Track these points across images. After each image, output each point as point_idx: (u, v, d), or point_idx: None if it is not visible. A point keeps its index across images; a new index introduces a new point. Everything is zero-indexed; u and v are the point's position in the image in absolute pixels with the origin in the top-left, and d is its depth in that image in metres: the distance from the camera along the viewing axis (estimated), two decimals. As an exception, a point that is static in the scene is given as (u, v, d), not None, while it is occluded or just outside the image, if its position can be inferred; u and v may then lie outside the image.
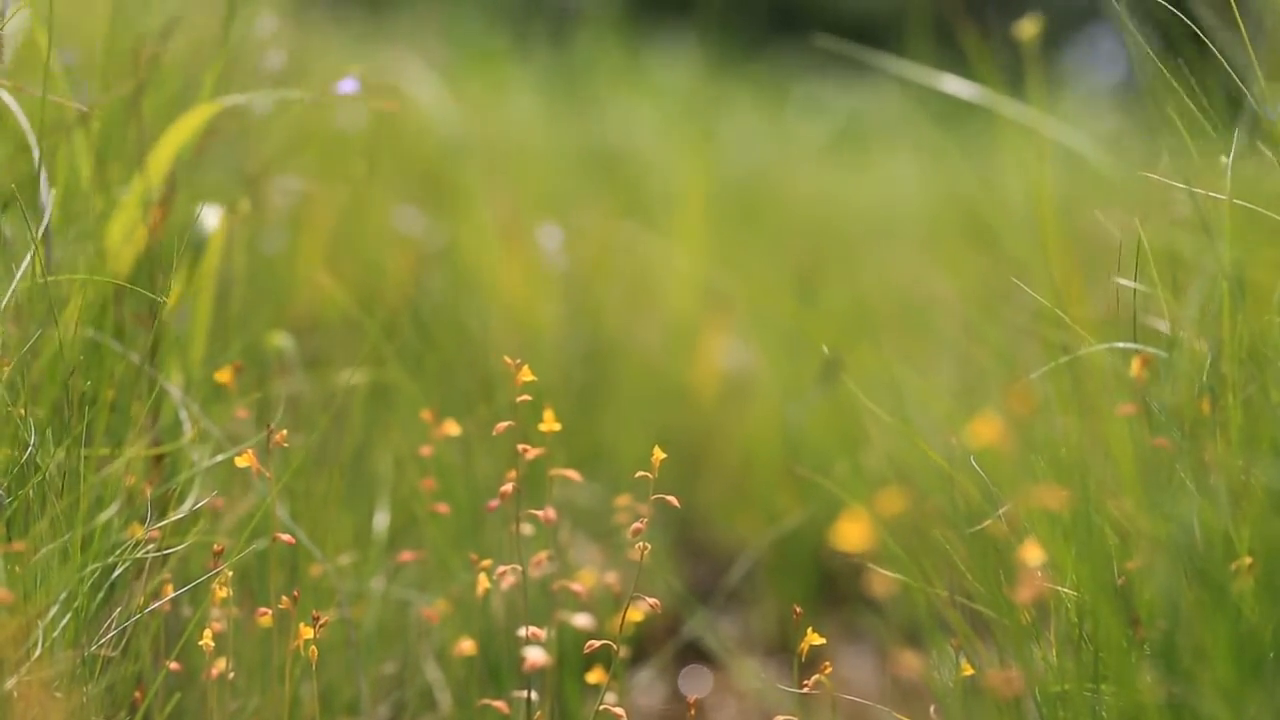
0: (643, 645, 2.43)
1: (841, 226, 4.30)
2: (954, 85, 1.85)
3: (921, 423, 1.77)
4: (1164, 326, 1.61)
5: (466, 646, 1.81)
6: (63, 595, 1.52)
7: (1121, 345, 1.57)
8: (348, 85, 2.02)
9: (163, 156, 1.91)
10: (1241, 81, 1.59)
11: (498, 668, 1.98)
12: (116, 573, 1.59)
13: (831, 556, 2.75)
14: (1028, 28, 1.50)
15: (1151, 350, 1.54)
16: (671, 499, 1.61)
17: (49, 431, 1.63)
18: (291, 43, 3.17)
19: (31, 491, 1.56)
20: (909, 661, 1.48)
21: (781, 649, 2.89)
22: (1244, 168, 1.62)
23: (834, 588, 2.93)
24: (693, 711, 1.64)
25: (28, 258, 1.64)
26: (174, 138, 1.92)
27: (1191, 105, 1.62)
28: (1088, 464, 1.44)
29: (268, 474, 1.59)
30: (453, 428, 1.89)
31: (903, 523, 1.40)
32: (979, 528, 1.54)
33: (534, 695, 1.71)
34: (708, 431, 3.33)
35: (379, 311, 2.45)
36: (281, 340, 2.17)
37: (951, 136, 4.34)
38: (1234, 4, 1.59)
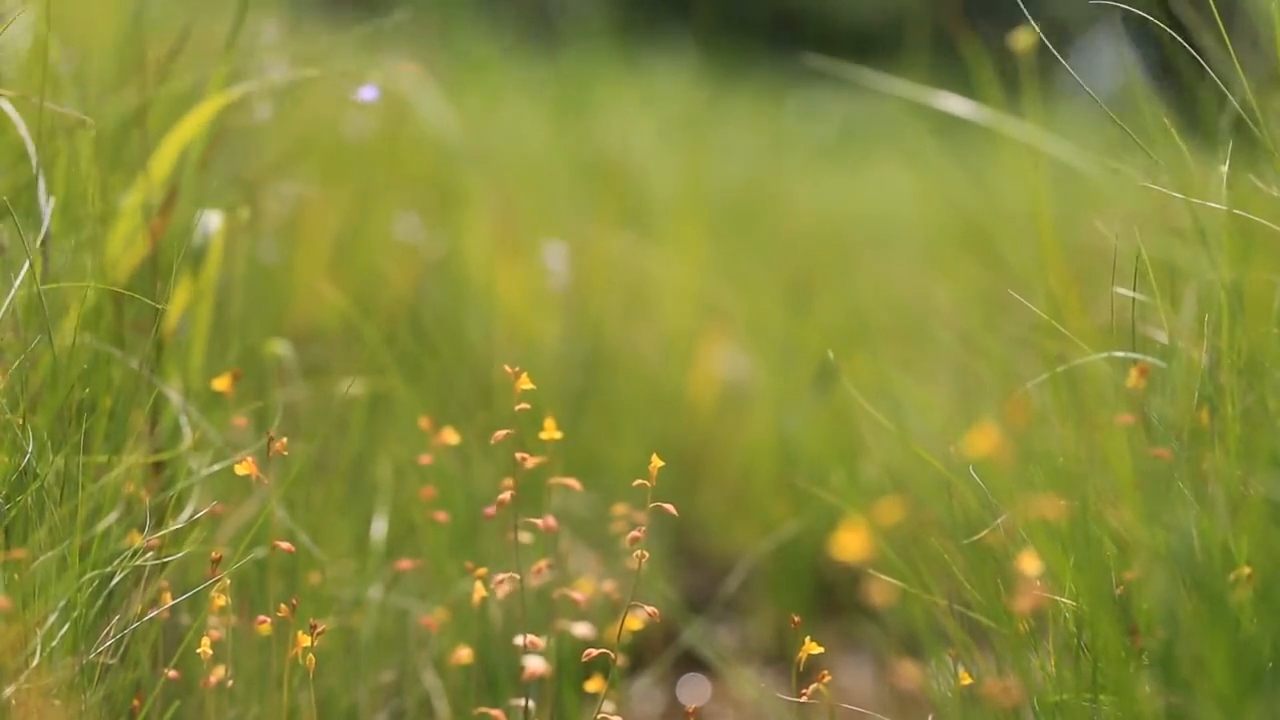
0: (641, 654, 2.43)
1: (839, 235, 4.30)
2: (944, 100, 1.85)
3: (919, 432, 1.77)
4: (1162, 337, 1.62)
5: (464, 655, 1.81)
6: (61, 603, 1.52)
7: (1120, 355, 1.57)
8: (368, 93, 2.03)
9: (166, 158, 1.91)
10: (1234, 93, 1.60)
11: (496, 676, 1.98)
12: (115, 581, 1.59)
13: (829, 565, 2.75)
14: (1023, 38, 1.50)
15: (1150, 360, 1.54)
16: (669, 507, 1.61)
17: (48, 439, 1.63)
18: (290, 51, 3.17)
19: (30, 499, 1.56)
20: (907, 671, 1.48)
21: (779, 658, 2.89)
22: (1241, 178, 1.62)
23: (832, 597, 2.93)
24: (691, 720, 1.64)
25: (26, 264, 1.64)
26: (178, 138, 1.92)
27: (1187, 116, 1.62)
28: (1086, 474, 1.44)
29: (266, 482, 1.59)
30: (451, 436, 1.89)
31: (901, 532, 1.40)
32: (977, 537, 1.54)
33: (532, 704, 1.71)
34: (705, 441, 3.33)
35: (378, 320, 2.45)
36: (281, 348, 2.17)
37: (949, 144, 4.35)
38: (1216, 15, 1.60)
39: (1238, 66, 1.58)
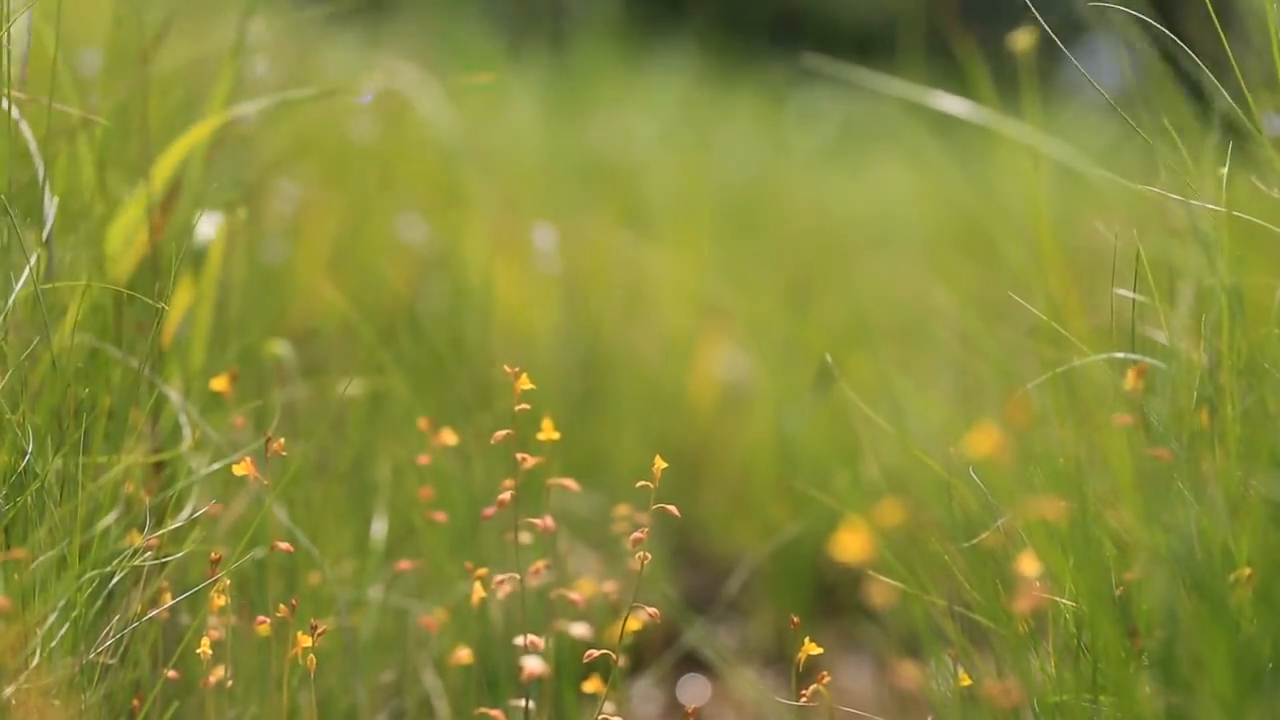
0: (641, 654, 2.43)
1: (839, 235, 4.30)
2: (945, 101, 1.85)
3: (919, 433, 1.77)
4: (1162, 338, 1.62)
5: (464, 655, 1.81)
6: (61, 603, 1.52)
7: (1119, 356, 1.57)
8: (368, 96, 2.03)
9: (166, 167, 1.92)
10: (1233, 95, 1.60)
11: (495, 676, 1.98)
12: (115, 580, 1.59)
13: (830, 566, 2.75)
14: (1022, 39, 1.50)
15: (1149, 361, 1.54)
16: (671, 508, 1.61)
17: (47, 438, 1.63)
18: (290, 51, 3.17)
19: (30, 499, 1.56)
20: (907, 672, 1.48)
21: (779, 659, 2.89)
22: (1240, 179, 1.62)
23: (832, 597, 2.93)
24: (690, 721, 1.64)
25: (29, 265, 1.64)
26: (178, 150, 1.92)
27: (1184, 118, 1.63)
28: (1086, 475, 1.44)
29: (266, 482, 1.59)
30: (450, 436, 1.89)
31: (901, 533, 1.40)
32: (977, 539, 1.54)
33: (532, 704, 1.71)
34: (705, 441, 3.34)
35: (377, 320, 2.45)
36: (280, 348, 2.17)
37: (948, 144, 4.35)
38: (1215, 18, 1.60)
39: (1233, 69, 1.58)
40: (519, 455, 1.65)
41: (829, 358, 2.06)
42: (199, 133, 1.92)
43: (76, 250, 1.85)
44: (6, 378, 1.59)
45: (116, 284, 1.86)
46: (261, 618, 1.61)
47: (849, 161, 5.21)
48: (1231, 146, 1.61)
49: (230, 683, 1.65)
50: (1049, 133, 1.66)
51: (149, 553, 1.60)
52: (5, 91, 1.68)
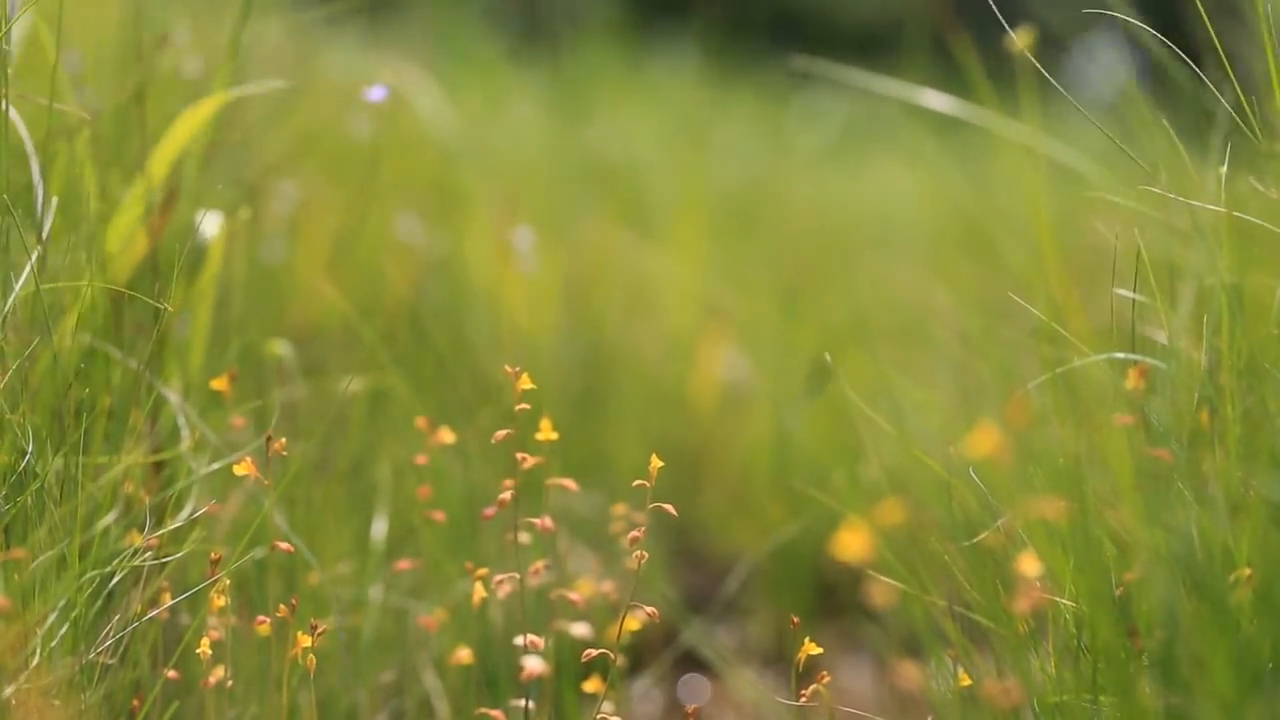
0: (640, 654, 2.43)
1: (839, 235, 4.31)
2: (943, 101, 1.85)
3: (919, 433, 1.77)
4: (1162, 338, 1.61)
5: (464, 655, 1.81)
6: (61, 603, 1.52)
7: (1120, 356, 1.57)
8: (376, 93, 2.02)
9: (165, 156, 1.91)
10: (1230, 95, 1.60)
11: (495, 676, 1.98)
12: (114, 580, 1.59)
13: (830, 566, 2.75)
14: (1020, 39, 1.50)
15: (1149, 361, 1.54)
16: (669, 508, 1.61)
17: (47, 439, 1.63)
18: (290, 51, 3.17)
19: (30, 499, 1.56)
20: (907, 672, 1.48)
21: (779, 658, 2.89)
22: (1239, 179, 1.62)
23: (832, 597, 2.93)
24: (690, 721, 1.64)
25: (28, 265, 1.64)
26: (177, 136, 1.92)
27: (1185, 118, 1.63)
28: (1086, 475, 1.44)
29: (266, 482, 1.59)
30: (448, 436, 1.90)
31: (901, 533, 1.40)
32: (977, 539, 1.54)
33: (531, 704, 1.71)
34: (706, 441, 3.34)
35: (378, 320, 2.45)
36: (281, 348, 2.17)
37: (949, 145, 4.35)
38: (1204, 16, 1.60)
39: (1229, 70, 1.58)
40: (519, 455, 1.65)
41: (827, 356, 2.06)
42: (193, 119, 1.91)
43: (76, 250, 1.84)
44: (6, 378, 1.59)
45: (116, 284, 1.86)
46: (261, 618, 1.61)
47: (849, 162, 5.21)
48: (1231, 146, 1.61)
49: (230, 683, 1.65)
50: (1049, 133, 1.66)
51: (149, 553, 1.60)
52: (3, 92, 1.68)
